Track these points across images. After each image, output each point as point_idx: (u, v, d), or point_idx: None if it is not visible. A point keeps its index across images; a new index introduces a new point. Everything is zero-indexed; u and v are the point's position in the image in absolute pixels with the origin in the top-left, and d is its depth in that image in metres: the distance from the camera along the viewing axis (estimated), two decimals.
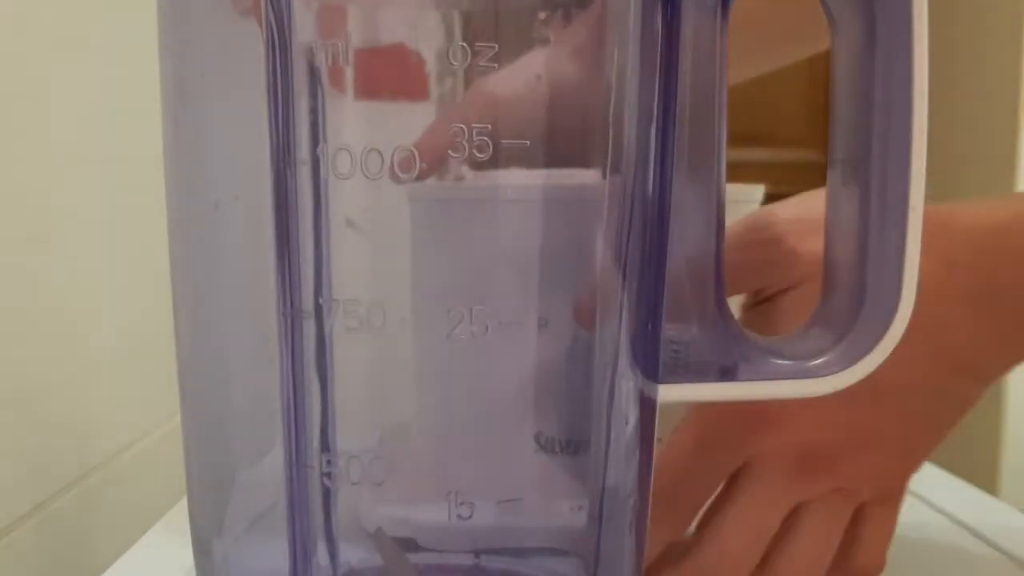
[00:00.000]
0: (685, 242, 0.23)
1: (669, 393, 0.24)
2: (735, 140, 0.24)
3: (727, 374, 0.24)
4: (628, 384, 0.24)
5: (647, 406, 0.24)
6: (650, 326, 0.24)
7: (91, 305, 0.50)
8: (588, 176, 0.22)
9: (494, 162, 0.21)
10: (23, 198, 0.43)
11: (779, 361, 0.24)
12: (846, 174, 0.24)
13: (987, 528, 0.41)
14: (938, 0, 0.24)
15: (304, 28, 0.20)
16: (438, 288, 0.21)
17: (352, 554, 0.24)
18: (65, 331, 0.47)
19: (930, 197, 0.24)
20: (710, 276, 0.24)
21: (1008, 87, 1.28)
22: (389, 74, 0.21)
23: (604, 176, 0.22)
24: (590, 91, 0.22)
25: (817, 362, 0.24)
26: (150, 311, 0.58)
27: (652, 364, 0.24)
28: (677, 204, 0.23)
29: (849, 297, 0.24)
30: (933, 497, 0.46)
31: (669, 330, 0.24)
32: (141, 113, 0.57)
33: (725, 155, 0.24)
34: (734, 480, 0.30)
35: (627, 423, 0.24)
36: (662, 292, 0.23)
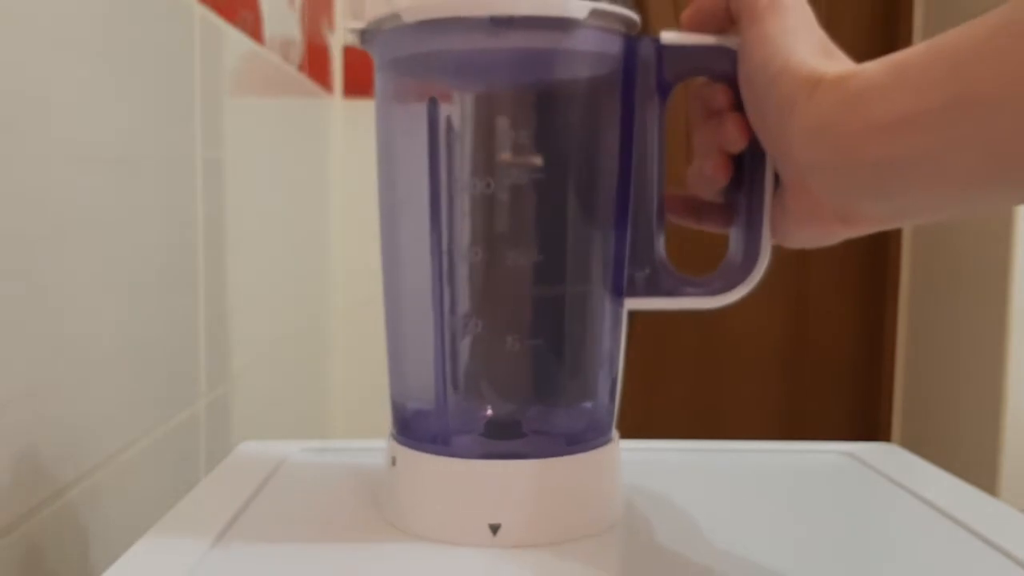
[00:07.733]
0: (640, 223, 0.43)
1: (630, 304, 0.43)
2: None
3: (665, 295, 0.43)
4: (604, 300, 0.42)
5: (616, 314, 0.43)
6: (619, 267, 0.43)
7: (91, 305, 0.50)
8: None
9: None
10: (23, 198, 0.43)
11: (694, 288, 0.43)
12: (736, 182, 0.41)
13: (987, 528, 0.41)
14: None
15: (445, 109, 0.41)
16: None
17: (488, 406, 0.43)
18: (65, 331, 0.47)
19: None
20: (658, 243, 0.43)
21: None
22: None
23: (598, 183, 0.42)
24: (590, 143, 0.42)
25: (713, 288, 0.43)
26: (149, 312, 0.58)
27: (619, 289, 0.43)
28: (637, 203, 0.42)
29: (735, 259, 0.43)
30: (933, 497, 0.46)
31: (632, 270, 0.43)
32: (141, 113, 0.57)
33: (665, 183, 0.42)
34: None
35: (602, 325, 0.43)
36: (625, 249, 0.43)
